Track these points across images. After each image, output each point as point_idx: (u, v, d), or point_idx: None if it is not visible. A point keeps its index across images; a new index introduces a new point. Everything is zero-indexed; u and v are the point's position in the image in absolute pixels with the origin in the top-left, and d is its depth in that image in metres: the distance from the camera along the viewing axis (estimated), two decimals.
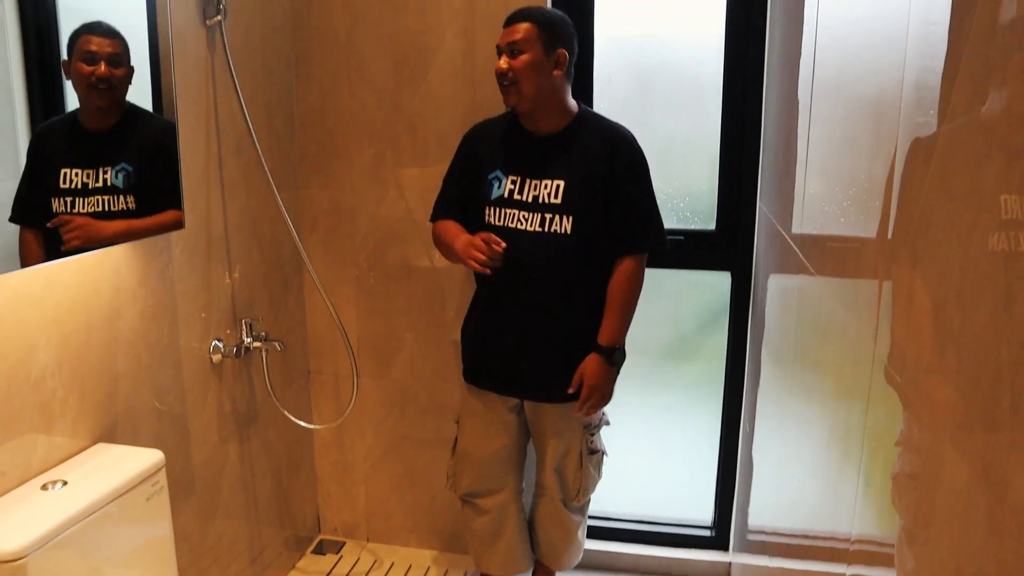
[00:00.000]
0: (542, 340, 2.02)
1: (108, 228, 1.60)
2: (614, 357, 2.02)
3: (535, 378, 2.06)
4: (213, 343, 2.07)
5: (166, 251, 1.87)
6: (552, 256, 1.96)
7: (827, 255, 1.47)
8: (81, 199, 1.52)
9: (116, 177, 1.58)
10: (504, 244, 1.92)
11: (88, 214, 1.53)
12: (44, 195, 1.45)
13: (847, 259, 1.30)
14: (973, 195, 0.71)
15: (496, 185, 2.02)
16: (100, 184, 1.55)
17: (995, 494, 0.66)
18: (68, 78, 1.48)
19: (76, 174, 1.51)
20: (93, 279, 1.64)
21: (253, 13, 2.21)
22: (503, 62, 1.92)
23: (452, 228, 2.07)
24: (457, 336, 2.28)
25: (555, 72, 1.92)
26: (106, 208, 1.56)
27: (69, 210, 1.50)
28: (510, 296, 2.03)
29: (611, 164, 1.94)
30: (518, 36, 1.91)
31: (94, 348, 1.65)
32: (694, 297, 2.57)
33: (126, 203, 1.61)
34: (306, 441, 2.67)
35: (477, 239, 1.94)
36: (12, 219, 1.36)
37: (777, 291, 2.10)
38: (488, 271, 1.93)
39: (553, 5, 2.32)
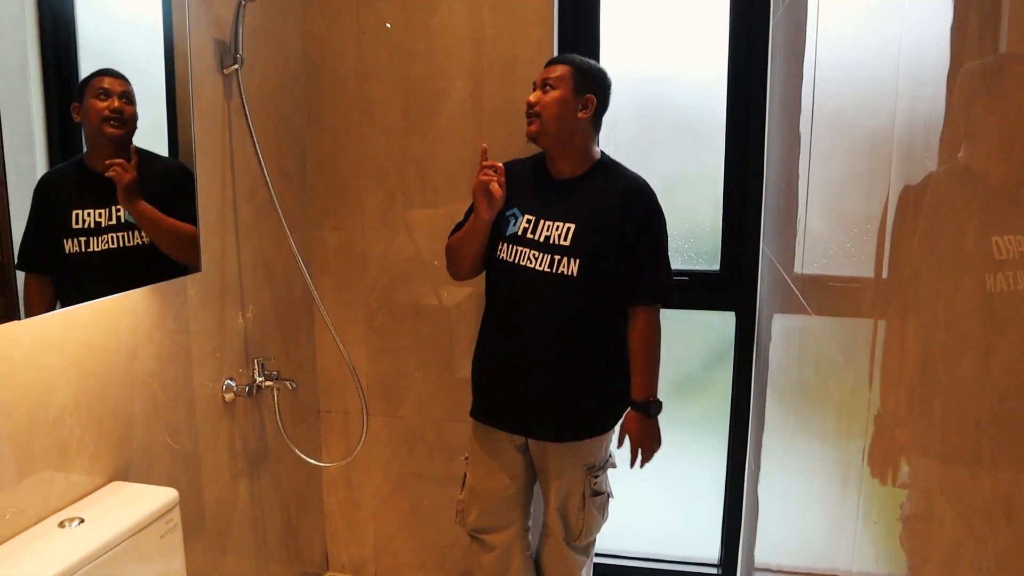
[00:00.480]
0: (544, 379, 2.05)
1: (141, 206, 1.65)
2: (651, 410, 2.06)
3: (536, 416, 2.08)
4: (226, 382, 2.11)
5: (182, 292, 1.92)
6: (557, 296, 2.00)
7: (825, 296, 1.50)
8: (95, 238, 1.55)
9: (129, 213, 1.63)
10: (499, 165, 2.02)
11: (102, 253, 1.56)
12: (54, 239, 1.47)
13: (844, 301, 1.33)
14: (953, 245, 0.75)
15: (512, 222, 2.06)
16: (113, 221, 1.58)
17: (978, 538, 0.69)
18: (78, 118, 1.52)
19: (88, 214, 1.54)
20: (111, 321, 1.69)
21: (268, 62, 2.29)
22: (534, 95, 2.00)
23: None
24: (465, 374, 2.32)
25: (580, 114, 1.98)
26: (122, 244, 1.59)
27: (83, 250, 1.53)
28: (515, 333, 2.06)
29: (624, 213, 1.97)
30: (553, 74, 1.99)
31: (111, 388, 1.69)
32: (700, 336, 2.61)
33: (141, 238, 1.64)
34: (315, 478, 2.70)
35: (481, 175, 2.01)
36: (19, 267, 1.36)
37: (780, 331, 2.13)
38: (499, 190, 2.00)
39: (559, 41, 2.39)
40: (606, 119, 2.08)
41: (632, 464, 2.10)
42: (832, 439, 1.41)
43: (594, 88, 2.00)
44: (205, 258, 1.94)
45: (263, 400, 2.30)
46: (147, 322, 1.80)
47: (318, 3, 2.47)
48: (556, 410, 2.06)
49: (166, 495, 1.65)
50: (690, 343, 2.61)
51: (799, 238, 1.84)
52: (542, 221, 2.02)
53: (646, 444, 2.08)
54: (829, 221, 1.49)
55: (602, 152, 2.09)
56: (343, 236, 2.57)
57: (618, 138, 2.47)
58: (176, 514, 1.67)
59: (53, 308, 1.47)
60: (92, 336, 1.63)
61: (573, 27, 2.41)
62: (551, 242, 2.00)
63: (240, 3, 2.05)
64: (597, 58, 2.43)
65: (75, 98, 1.51)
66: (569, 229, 1.99)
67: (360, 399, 2.39)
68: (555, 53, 2.37)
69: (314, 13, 2.48)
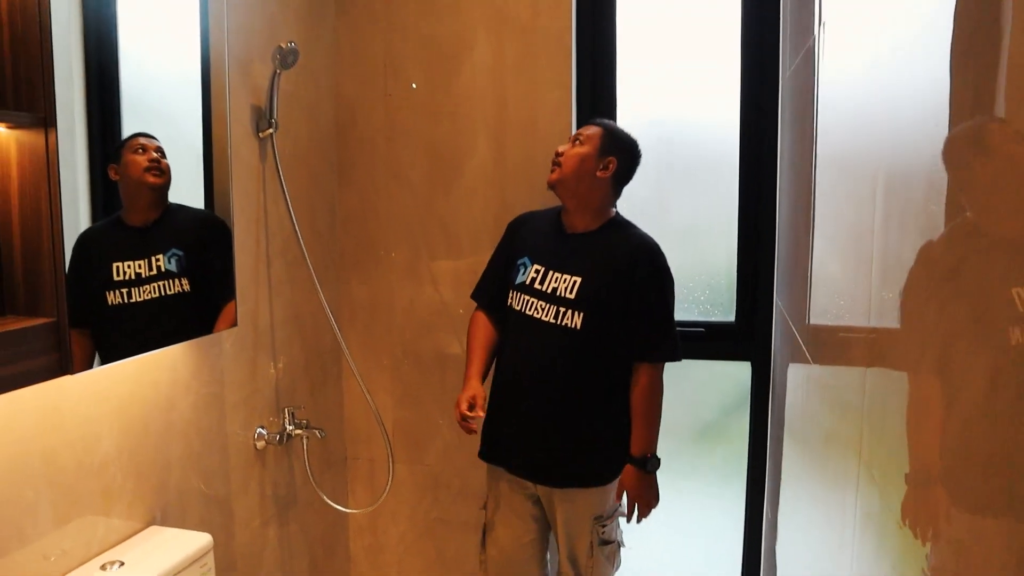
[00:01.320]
0: (547, 427, 2.09)
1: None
2: (648, 466, 2.08)
3: (540, 463, 2.12)
4: (257, 430, 2.21)
5: (217, 345, 2.03)
6: (560, 348, 2.06)
7: (836, 348, 1.56)
8: (136, 288, 1.64)
9: (169, 262, 1.71)
10: (480, 416, 2.09)
11: (145, 302, 1.65)
12: (97, 292, 1.55)
13: (859, 353, 1.39)
14: (977, 299, 0.75)
15: (522, 270, 2.14)
16: (154, 272, 1.67)
17: None
18: (115, 177, 1.60)
19: (128, 266, 1.63)
20: (152, 372, 1.79)
21: (301, 125, 2.42)
22: (564, 146, 2.11)
23: (474, 330, 2.25)
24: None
25: (599, 173, 2.06)
26: (163, 293, 1.69)
27: (126, 300, 1.61)
28: (522, 380, 2.12)
29: (632, 271, 2.03)
30: (584, 132, 2.10)
31: (151, 436, 1.79)
32: (717, 386, 2.66)
33: (181, 286, 1.73)
34: (342, 524, 2.77)
35: (463, 404, 2.08)
36: (75, 326, 1.39)
37: (793, 381, 2.18)
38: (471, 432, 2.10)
39: (577, 85, 2.50)
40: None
41: (628, 519, 2.14)
42: (838, 486, 1.45)
43: (618, 152, 2.08)
44: (240, 312, 2.05)
45: (292, 448, 2.39)
46: (185, 374, 1.91)
47: (348, 69, 2.62)
48: (558, 458, 2.10)
49: (201, 540, 1.74)
50: (708, 392, 2.67)
51: (809, 290, 1.90)
52: (551, 272, 2.09)
53: (643, 500, 2.11)
54: (843, 271, 1.53)
55: (617, 212, 2.16)
56: (371, 289, 2.68)
57: (633, 184, 2.56)
58: (210, 558, 1.75)
59: (93, 360, 1.53)
60: (134, 388, 1.73)
61: (591, 89, 2.53)
62: (557, 294, 2.06)
63: (275, 72, 2.19)
64: (614, 116, 2.53)
65: (111, 159, 1.60)
66: (576, 282, 2.05)
67: (386, 446, 2.47)
68: (573, 114, 2.48)
69: (345, 78, 2.62)
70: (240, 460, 2.15)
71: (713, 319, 2.56)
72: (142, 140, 1.67)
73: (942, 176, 0.79)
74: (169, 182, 1.74)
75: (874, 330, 1.12)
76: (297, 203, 2.34)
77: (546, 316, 2.07)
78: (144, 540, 1.72)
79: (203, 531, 1.78)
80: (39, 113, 1.32)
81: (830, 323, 1.58)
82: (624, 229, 2.12)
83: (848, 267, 1.34)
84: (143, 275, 1.66)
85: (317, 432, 2.33)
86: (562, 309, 2.05)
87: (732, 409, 2.64)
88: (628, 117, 2.54)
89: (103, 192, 1.62)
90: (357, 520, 2.81)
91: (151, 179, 1.69)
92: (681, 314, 2.55)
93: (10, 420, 1.42)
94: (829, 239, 1.58)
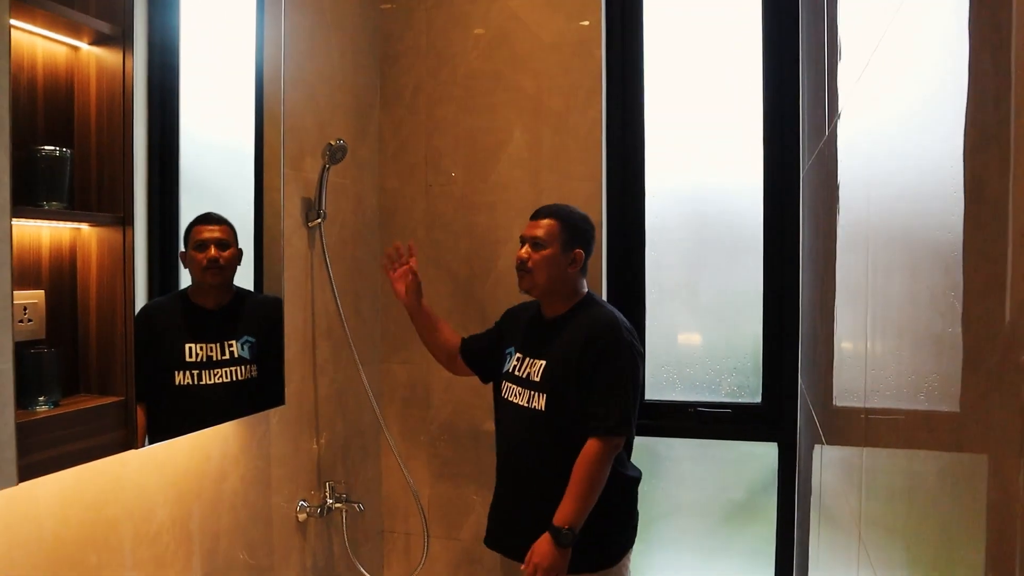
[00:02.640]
0: (528, 511, 2.08)
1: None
2: (561, 538, 1.96)
3: (516, 541, 2.09)
4: (300, 503, 2.32)
5: (264, 422, 2.16)
6: (528, 429, 2.10)
7: (836, 428, 1.63)
8: (207, 371, 1.75)
9: (243, 349, 1.83)
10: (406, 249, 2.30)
11: (216, 386, 1.76)
12: (166, 371, 1.67)
13: (846, 433, 1.46)
14: None
15: (507, 360, 2.21)
16: (227, 356, 1.78)
17: None
18: (185, 266, 1.74)
19: (201, 348, 1.73)
20: (206, 446, 1.92)
21: (347, 214, 2.60)
22: (524, 251, 2.12)
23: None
24: None
25: (569, 269, 2.10)
26: (234, 378, 1.80)
27: (196, 383, 1.72)
28: (505, 465, 2.20)
29: (586, 347, 2.03)
30: (540, 232, 2.10)
31: (202, 507, 1.91)
32: (745, 466, 2.71)
33: (251, 372, 1.86)
34: None
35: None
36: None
37: (816, 462, 2.24)
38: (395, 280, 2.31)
39: (607, 193, 2.64)
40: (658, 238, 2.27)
41: None
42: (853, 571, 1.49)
43: (581, 241, 2.12)
44: (288, 391, 2.19)
45: (332, 521, 2.49)
46: (235, 448, 2.03)
47: (391, 162, 2.80)
48: (530, 538, 2.03)
49: None
50: (737, 472, 2.72)
51: (817, 371, 1.98)
52: (526, 359, 2.14)
53: (543, 569, 1.97)
54: (853, 353, 1.59)
55: (588, 291, 2.19)
56: (410, 369, 2.81)
57: (664, 268, 2.67)
58: None
59: (145, 435, 1.60)
60: (188, 461, 1.86)
61: (621, 182, 2.67)
62: (529, 378, 2.11)
63: (324, 167, 2.37)
64: (643, 203, 2.67)
65: (183, 246, 1.73)
66: (542, 365, 2.09)
67: (421, 521, 2.56)
68: (604, 205, 2.63)
69: (388, 170, 2.81)
70: (283, 532, 2.25)
71: (740, 400, 2.63)
72: (205, 233, 1.77)
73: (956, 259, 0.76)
74: (234, 272, 1.86)
75: (869, 410, 1.20)
76: (342, 288, 2.50)
77: (521, 400, 2.12)
78: None
79: None
80: (118, 213, 1.49)
81: (842, 405, 1.65)
82: (589, 308, 2.14)
83: (857, 349, 1.42)
84: (214, 358, 1.76)
85: (356, 506, 2.44)
86: (531, 392, 2.10)
87: (760, 490, 2.69)
88: (657, 201, 2.67)
89: (160, 268, 1.77)
90: None
91: (210, 279, 1.80)
92: (708, 395, 2.64)
93: (79, 490, 1.55)
94: (845, 324, 1.67)
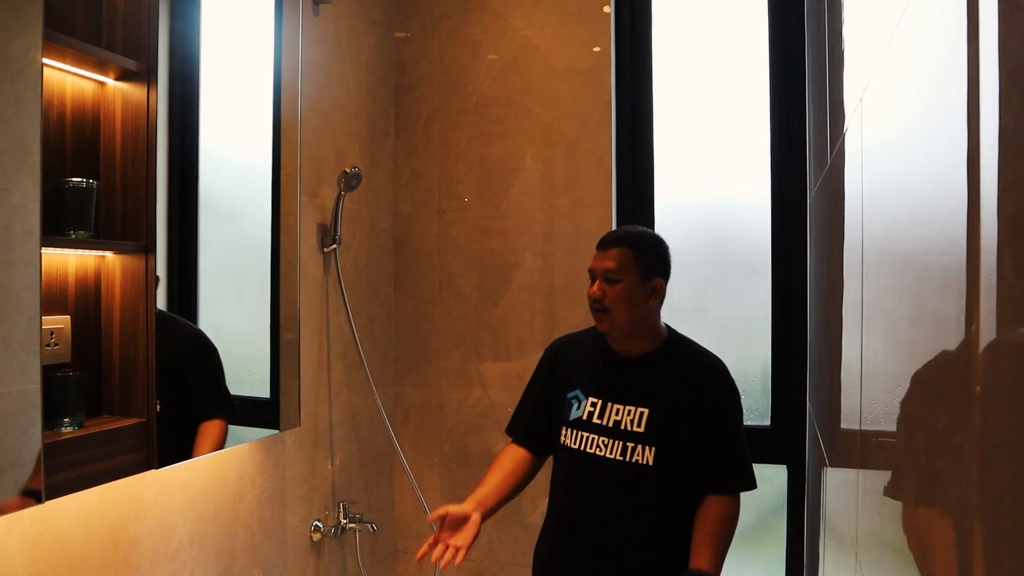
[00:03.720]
0: (607, 566, 1.85)
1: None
2: None
3: None
4: (314, 523, 2.36)
5: (280, 443, 2.21)
6: (631, 487, 1.83)
7: (839, 452, 1.66)
8: None
9: None
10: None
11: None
12: None
13: (845, 454, 1.49)
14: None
15: (575, 406, 1.92)
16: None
17: None
18: None
19: None
20: (223, 467, 1.97)
21: (362, 239, 2.66)
22: (596, 288, 1.84)
23: (500, 459, 2.02)
24: (534, 519, 2.49)
25: (651, 301, 1.85)
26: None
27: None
28: (585, 525, 1.87)
29: (699, 395, 1.83)
30: (612, 264, 1.83)
31: (219, 527, 1.96)
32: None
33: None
34: None
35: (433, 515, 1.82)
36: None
37: (825, 484, 2.25)
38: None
39: (617, 220, 2.68)
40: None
41: None
42: None
43: (658, 269, 1.87)
44: (303, 413, 2.23)
45: (346, 540, 2.52)
46: (251, 469, 2.08)
47: (406, 188, 2.87)
48: None
49: None
50: (746, 494, 2.73)
51: (837, 395, 2.00)
52: (610, 404, 1.86)
53: None
54: (841, 374, 1.63)
55: (667, 326, 1.96)
56: (423, 391, 2.85)
57: (672, 293, 2.70)
58: None
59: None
60: (207, 482, 1.91)
61: (630, 206, 2.72)
62: (622, 427, 1.84)
63: (340, 194, 2.43)
64: (652, 224, 2.71)
65: None
66: (643, 414, 1.83)
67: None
68: (613, 229, 2.67)
69: (402, 196, 2.87)
70: (297, 551, 2.30)
71: (750, 423, 2.65)
72: None
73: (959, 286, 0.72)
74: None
75: (864, 433, 1.23)
76: (357, 311, 2.55)
77: (611, 453, 1.84)
78: None
79: None
80: (141, 241, 1.55)
81: (844, 427, 1.68)
82: (684, 348, 1.93)
83: (853, 372, 1.45)
84: None
85: (370, 526, 2.47)
86: (630, 444, 1.83)
87: (770, 512, 2.70)
88: (666, 225, 2.71)
89: (179, 296, 1.84)
90: None
91: None
92: None
93: (102, 509, 1.60)
94: (847, 348, 1.70)
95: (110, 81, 1.56)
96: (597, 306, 1.84)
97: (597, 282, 1.84)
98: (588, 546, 1.86)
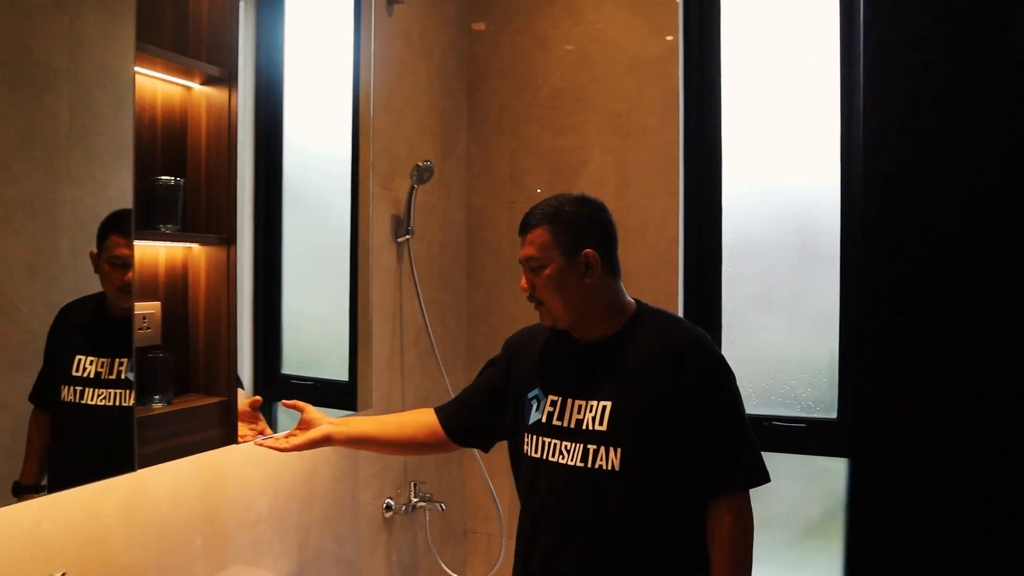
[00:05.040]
0: None
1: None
2: None
3: None
4: (386, 501, 2.48)
5: None
6: (596, 498, 1.54)
7: None
8: (92, 389, 1.44)
9: (131, 371, 1.49)
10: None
11: (97, 407, 1.44)
12: (52, 380, 1.38)
13: None
14: None
15: (535, 406, 1.64)
16: (112, 377, 1.46)
17: None
18: (95, 270, 1.42)
19: (91, 363, 1.44)
20: None
21: (435, 230, 2.76)
22: (524, 280, 1.61)
23: (399, 414, 1.92)
24: None
25: (587, 280, 1.56)
26: (117, 402, 1.45)
27: (78, 400, 1.42)
28: (552, 542, 1.60)
29: (679, 379, 1.52)
30: (532, 250, 1.58)
31: (296, 501, 2.09)
32: (820, 481, 2.72)
33: (132, 400, 1.48)
34: None
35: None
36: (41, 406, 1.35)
37: None
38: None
39: (684, 208, 2.71)
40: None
41: None
42: None
43: (586, 239, 1.57)
44: (375, 396, 2.35)
45: (416, 519, 2.64)
46: (326, 447, 2.21)
47: (478, 180, 2.95)
48: None
49: None
50: (813, 488, 2.73)
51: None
52: (570, 401, 1.58)
53: None
54: None
55: (637, 302, 1.67)
56: None
57: (736, 281, 2.71)
58: None
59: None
60: (285, 456, 2.04)
61: (698, 197, 2.74)
62: (583, 427, 1.55)
63: (413, 186, 2.53)
64: (719, 214, 2.71)
65: (97, 245, 1.42)
66: (604, 409, 1.54)
67: (500, 524, 2.68)
68: (681, 222, 2.70)
69: (474, 188, 2.96)
70: (369, 527, 2.42)
71: (815, 415, 2.65)
72: (122, 250, 1.46)
73: None
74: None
75: None
76: (429, 300, 2.66)
77: (572, 459, 1.56)
78: None
79: None
80: (223, 234, 1.68)
81: None
82: (653, 323, 1.62)
83: None
84: (102, 376, 1.46)
85: (439, 506, 2.58)
86: (591, 447, 1.54)
87: (838, 507, 2.69)
88: (734, 214, 2.73)
89: (264, 283, 1.98)
90: None
91: (123, 303, 1.48)
92: (782, 409, 2.67)
93: (187, 480, 1.74)
94: None
95: (196, 86, 1.68)
96: (531, 300, 1.63)
97: (524, 274, 1.62)
98: (554, 568, 1.59)
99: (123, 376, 1.47)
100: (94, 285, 1.42)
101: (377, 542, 2.46)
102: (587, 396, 1.57)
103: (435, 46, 2.76)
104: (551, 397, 1.62)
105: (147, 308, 1.62)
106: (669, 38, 2.70)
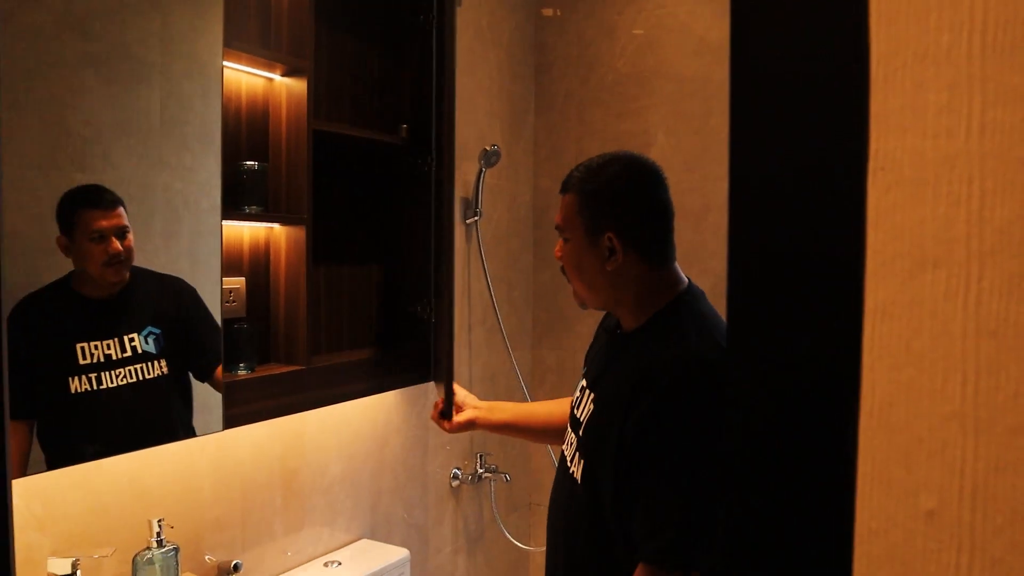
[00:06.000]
0: None
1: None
2: None
3: None
4: (453, 470, 2.60)
5: (423, 395, 2.45)
6: (565, 509, 1.38)
7: None
8: (108, 372, 1.42)
9: (147, 342, 1.48)
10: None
11: (120, 388, 1.43)
12: (56, 377, 1.36)
13: None
14: None
15: (575, 390, 1.50)
16: (129, 353, 1.44)
17: None
18: (67, 255, 1.37)
19: (95, 347, 1.40)
20: (372, 415, 2.23)
21: (502, 211, 2.85)
22: (557, 247, 1.41)
23: (556, 400, 1.80)
24: None
25: (608, 266, 1.32)
26: (141, 376, 1.46)
27: (95, 387, 1.40)
28: (549, 548, 1.48)
29: (628, 406, 1.23)
30: (559, 216, 1.38)
31: (368, 467, 2.23)
32: None
33: (161, 368, 1.50)
34: (523, 563, 3.10)
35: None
36: (13, 417, 1.29)
37: None
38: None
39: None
40: None
41: None
42: None
43: (609, 218, 1.31)
44: None
45: (482, 489, 2.76)
46: (397, 418, 2.34)
47: (544, 163, 3.04)
48: None
49: (401, 553, 2.13)
50: None
51: None
52: (587, 393, 1.39)
53: None
54: None
55: (681, 294, 1.36)
56: (559, 354, 3.04)
57: None
58: (407, 569, 2.14)
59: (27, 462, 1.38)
60: (358, 426, 2.18)
61: None
62: (581, 425, 1.37)
63: (481, 170, 2.63)
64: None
65: (61, 229, 1.35)
66: (589, 412, 1.35)
67: None
68: None
69: (542, 171, 3.05)
70: (437, 495, 2.55)
71: None
72: (102, 221, 1.40)
73: None
74: (133, 256, 1.46)
75: None
76: (496, 279, 2.76)
77: (568, 457, 1.40)
78: (357, 549, 2.14)
79: (404, 548, 2.18)
80: (302, 214, 1.81)
81: None
82: (659, 327, 1.32)
83: None
84: (114, 357, 1.43)
85: (504, 477, 2.69)
86: (576, 450, 1.37)
87: None
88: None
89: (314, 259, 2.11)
90: (537, 560, 3.12)
91: (112, 276, 1.44)
92: None
93: (269, 442, 1.89)
94: None
95: (277, 77, 1.81)
96: (563, 273, 1.42)
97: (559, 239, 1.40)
98: (548, 572, 1.47)
99: (140, 350, 1.46)
100: (177, 263, 1.55)
101: (444, 510, 2.59)
102: (594, 390, 1.36)
103: (503, 34, 2.84)
104: (582, 383, 1.45)
105: (233, 283, 1.76)
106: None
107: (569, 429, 1.43)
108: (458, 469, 2.62)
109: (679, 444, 1.20)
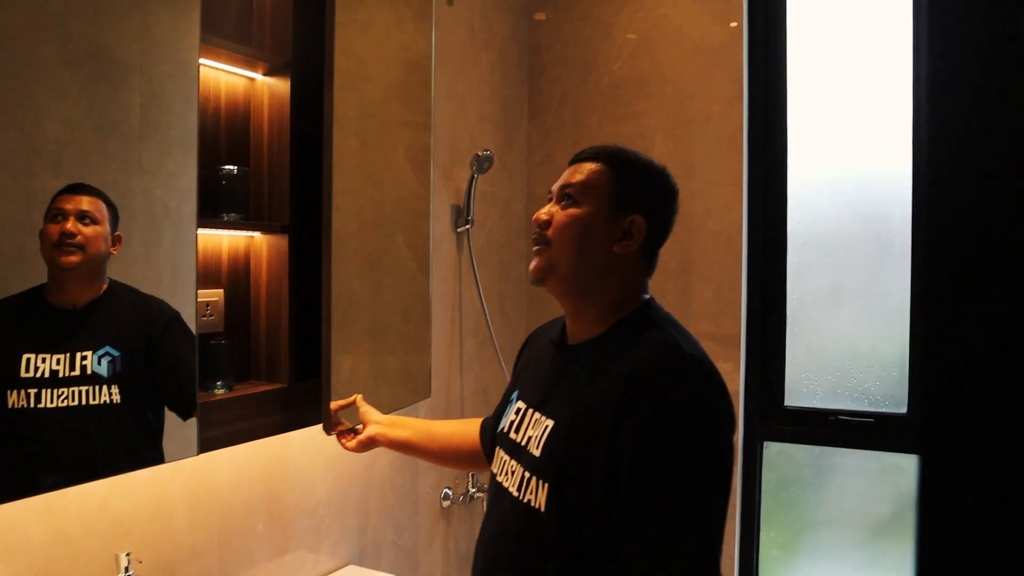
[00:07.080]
0: None
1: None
2: None
3: None
4: (444, 491, 2.49)
5: (413, 413, 2.34)
6: (519, 541, 1.21)
7: None
8: (49, 391, 1.26)
9: (98, 364, 1.32)
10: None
11: (57, 410, 1.27)
12: None
13: None
14: None
15: (506, 411, 1.37)
16: (77, 372, 1.29)
17: None
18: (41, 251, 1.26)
19: (43, 360, 1.26)
20: None
21: (495, 220, 2.75)
22: (544, 210, 1.30)
23: (454, 421, 1.73)
24: None
25: (617, 247, 1.22)
26: (83, 401, 1.30)
27: (32, 405, 1.24)
28: None
29: (618, 416, 1.09)
30: (578, 178, 1.27)
31: (354, 488, 2.11)
32: (890, 479, 2.64)
33: (109, 395, 1.33)
34: None
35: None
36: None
37: None
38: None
39: (748, 200, 2.65)
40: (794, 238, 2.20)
41: None
42: None
43: (644, 202, 1.24)
44: (434, 386, 2.35)
45: (474, 509, 2.64)
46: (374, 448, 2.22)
47: (539, 169, 2.94)
48: None
49: None
50: (881, 485, 2.65)
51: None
52: (530, 412, 1.27)
53: None
54: None
55: (647, 303, 1.28)
56: None
57: (806, 273, 2.64)
58: None
59: None
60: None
61: (763, 186, 2.67)
62: (527, 448, 1.23)
63: (472, 176, 2.53)
64: (785, 203, 2.65)
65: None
66: (546, 429, 1.20)
67: None
68: (745, 212, 2.64)
69: (536, 177, 2.95)
70: (428, 516, 2.43)
71: (884, 410, 2.56)
72: (67, 203, 1.27)
73: None
74: (100, 259, 1.33)
75: None
76: (488, 289, 2.65)
77: (511, 482, 1.25)
78: None
79: (392, 575, 2.07)
80: (284, 222, 1.70)
81: None
82: (634, 331, 1.21)
83: None
84: (60, 374, 1.28)
85: None
86: (526, 475, 1.21)
87: (908, 504, 2.61)
88: (800, 204, 2.65)
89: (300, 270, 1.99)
90: None
91: (61, 260, 1.28)
92: (850, 403, 2.60)
93: (249, 465, 1.77)
94: None
95: (259, 76, 1.70)
96: (538, 238, 1.28)
97: (550, 203, 1.31)
98: None
99: (89, 371, 1.29)
100: (157, 274, 1.45)
101: (435, 532, 2.47)
102: (543, 409, 1.24)
103: (496, 35, 2.75)
104: (519, 404, 1.31)
105: (210, 296, 1.65)
106: (733, 24, 2.63)
107: (504, 455, 1.30)
108: (449, 489, 2.51)
109: (682, 466, 1.07)
